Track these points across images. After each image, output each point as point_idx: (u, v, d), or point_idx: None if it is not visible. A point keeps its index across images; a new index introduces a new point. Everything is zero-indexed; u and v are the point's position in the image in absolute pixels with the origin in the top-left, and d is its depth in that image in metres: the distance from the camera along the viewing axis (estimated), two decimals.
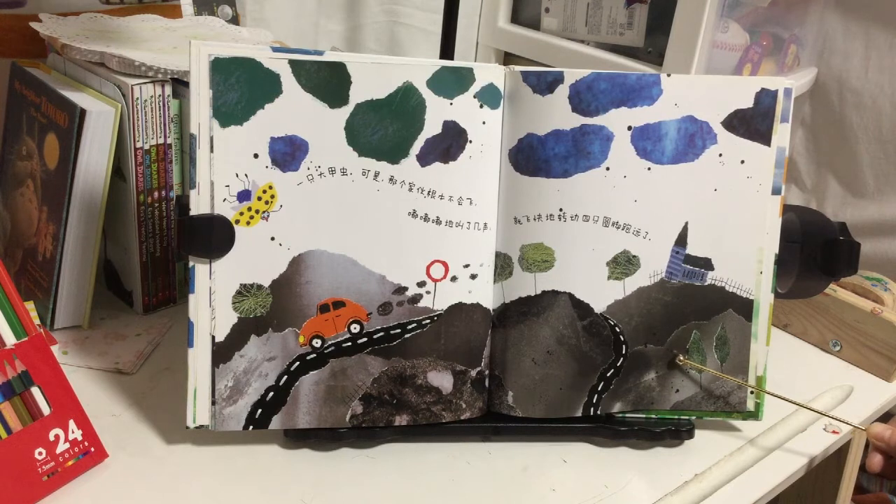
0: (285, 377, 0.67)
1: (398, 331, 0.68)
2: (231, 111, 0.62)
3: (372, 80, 0.64)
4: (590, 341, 0.71)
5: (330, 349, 0.67)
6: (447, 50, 1.12)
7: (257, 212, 0.64)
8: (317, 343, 0.67)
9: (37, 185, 0.82)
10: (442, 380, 0.69)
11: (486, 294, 0.70)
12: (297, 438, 0.69)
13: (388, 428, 0.69)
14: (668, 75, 0.68)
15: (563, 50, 1.11)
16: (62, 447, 0.62)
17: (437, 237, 0.67)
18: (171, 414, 0.69)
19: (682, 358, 0.72)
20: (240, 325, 0.65)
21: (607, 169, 0.68)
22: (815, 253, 0.74)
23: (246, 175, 0.64)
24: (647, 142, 0.68)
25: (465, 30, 1.21)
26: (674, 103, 0.68)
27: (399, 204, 0.66)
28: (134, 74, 0.77)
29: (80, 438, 0.63)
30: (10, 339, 0.61)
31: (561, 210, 0.68)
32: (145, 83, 0.77)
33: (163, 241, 0.84)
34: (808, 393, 0.83)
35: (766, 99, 0.70)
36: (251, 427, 0.67)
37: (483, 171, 0.68)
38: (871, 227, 1.13)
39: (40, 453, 0.61)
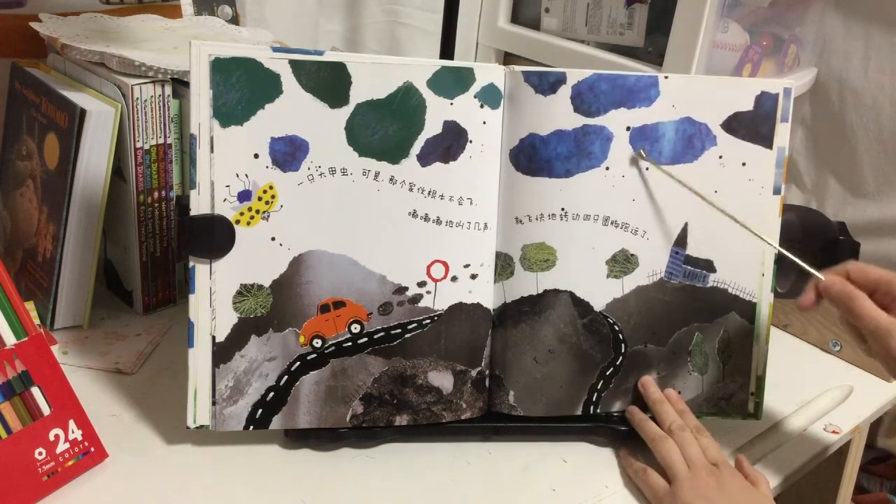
0: (286, 377, 0.67)
1: (398, 331, 0.68)
2: (231, 111, 0.62)
3: (372, 80, 0.64)
4: (589, 339, 0.71)
5: (330, 349, 0.67)
6: (447, 50, 1.12)
7: (258, 212, 0.64)
8: (317, 343, 0.67)
9: (37, 185, 0.82)
10: (442, 380, 0.69)
11: (487, 294, 0.70)
12: (297, 438, 0.69)
13: (389, 428, 0.69)
14: (666, 77, 0.68)
15: (563, 50, 1.11)
16: (62, 447, 0.62)
17: (438, 237, 0.67)
18: (171, 414, 0.69)
19: None
20: (240, 325, 0.65)
21: (607, 168, 0.68)
22: (815, 253, 0.74)
23: (246, 175, 0.63)
24: (644, 142, 0.69)
25: (465, 30, 1.21)
26: (671, 105, 0.68)
27: (399, 204, 0.66)
28: (134, 74, 0.77)
29: (80, 438, 0.63)
30: (10, 339, 0.61)
31: (563, 209, 0.68)
32: (145, 83, 0.77)
33: (163, 241, 0.84)
34: (808, 393, 0.83)
35: (767, 102, 0.70)
36: (252, 427, 0.67)
37: (483, 170, 0.68)
38: (871, 227, 1.12)
39: (40, 453, 0.61)
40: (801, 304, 0.65)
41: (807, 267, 0.64)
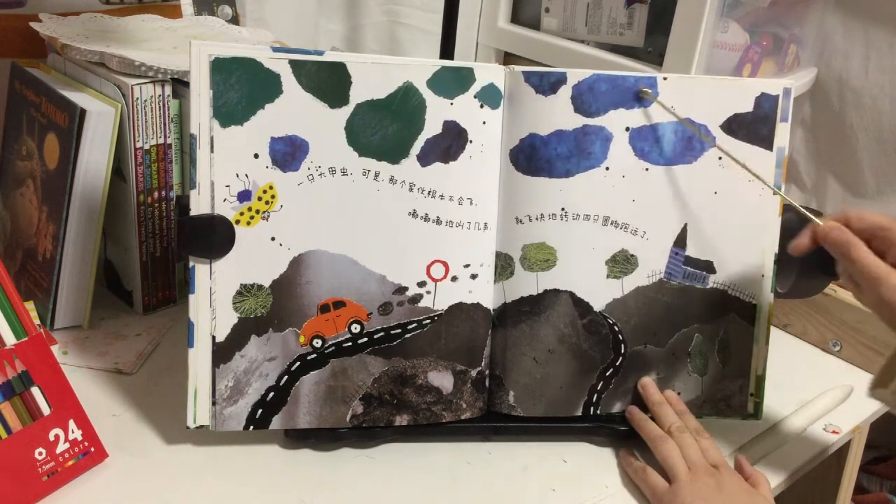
0: (286, 377, 0.67)
1: (398, 331, 0.68)
2: (231, 111, 0.62)
3: (372, 80, 0.64)
4: (589, 340, 0.71)
5: (330, 349, 0.67)
6: (447, 50, 1.12)
7: (258, 212, 0.64)
8: (317, 343, 0.67)
9: (37, 185, 0.82)
10: (442, 380, 0.69)
11: (487, 294, 0.70)
12: (297, 438, 0.69)
13: (389, 428, 0.69)
14: (665, 78, 0.68)
15: (563, 50, 1.11)
16: (62, 447, 0.62)
17: (438, 237, 0.67)
18: (171, 414, 0.69)
19: None
20: (240, 326, 0.65)
21: (607, 169, 0.68)
22: (815, 253, 0.74)
23: (246, 175, 0.64)
24: (644, 143, 0.69)
25: (465, 30, 1.21)
26: (670, 106, 0.68)
27: (399, 204, 0.66)
28: (134, 74, 0.77)
29: (80, 438, 0.63)
30: (10, 339, 0.61)
31: (563, 209, 0.68)
32: (145, 83, 0.77)
33: (163, 241, 0.84)
34: (808, 393, 0.83)
35: (766, 103, 0.70)
36: (252, 427, 0.67)
37: (483, 171, 0.68)
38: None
39: (40, 453, 0.61)
40: (795, 248, 0.65)
41: (806, 212, 0.64)
